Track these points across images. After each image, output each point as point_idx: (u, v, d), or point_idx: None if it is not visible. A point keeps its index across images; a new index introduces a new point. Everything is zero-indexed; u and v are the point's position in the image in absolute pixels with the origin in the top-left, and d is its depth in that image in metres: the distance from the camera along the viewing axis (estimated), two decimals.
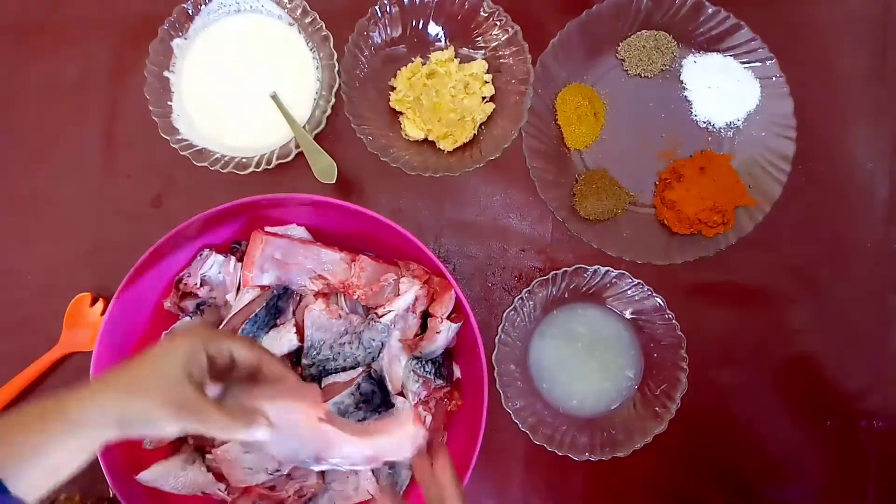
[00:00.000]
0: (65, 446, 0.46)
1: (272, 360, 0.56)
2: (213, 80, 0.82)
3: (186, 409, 0.49)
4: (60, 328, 0.79)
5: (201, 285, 0.73)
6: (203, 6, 0.81)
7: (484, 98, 0.81)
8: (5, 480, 0.44)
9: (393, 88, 0.82)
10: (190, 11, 0.80)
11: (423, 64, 0.82)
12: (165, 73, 0.81)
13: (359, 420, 0.69)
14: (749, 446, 0.79)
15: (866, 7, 0.83)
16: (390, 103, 0.82)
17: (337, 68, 0.79)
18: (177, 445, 0.73)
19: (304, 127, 0.79)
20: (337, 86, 0.79)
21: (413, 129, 0.81)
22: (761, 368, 0.80)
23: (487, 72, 0.81)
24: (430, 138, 0.81)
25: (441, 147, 0.81)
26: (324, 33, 0.80)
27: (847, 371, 0.79)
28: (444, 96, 0.80)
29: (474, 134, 0.81)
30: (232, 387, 0.55)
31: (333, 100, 0.80)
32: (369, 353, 0.71)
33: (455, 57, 0.82)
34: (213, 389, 0.54)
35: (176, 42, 0.81)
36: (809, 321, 0.80)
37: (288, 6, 0.81)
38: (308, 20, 0.80)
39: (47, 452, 0.46)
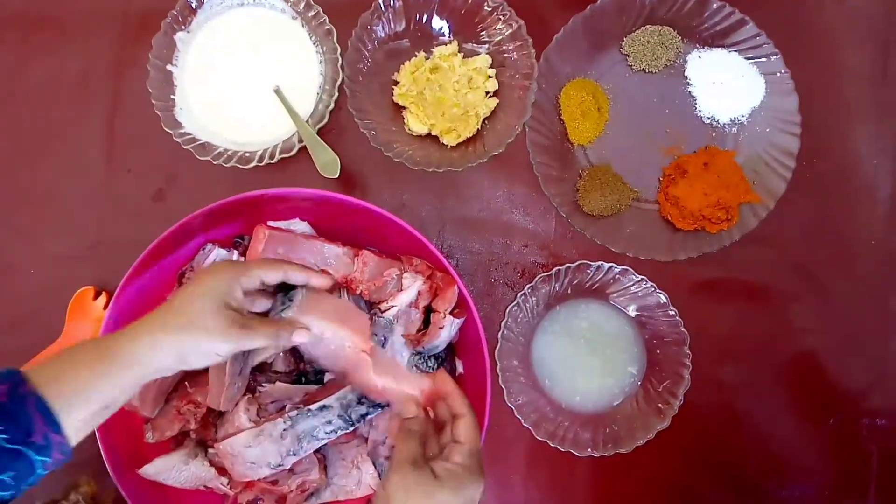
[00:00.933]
0: (118, 383, 0.52)
1: (294, 268, 0.65)
2: (217, 74, 0.82)
3: (233, 329, 0.57)
4: (63, 323, 0.79)
5: None
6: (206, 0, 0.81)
7: (487, 93, 0.81)
8: (58, 415, 0.49)
9: (396, 83, 0.82)
10: (193, 5, 0.80)
11: (427, 58, 0.82)
12: (168, 67, 0.80)
13: (361, 415, 0.69)
14: (751, 443, 0.79)
15: (872, 3, 0.83)
16: (393, 98, 0.81)
17: (340, 62, 0.79)
18: (179, 440, 0.73)
19: (307, 121, 0.79)
20: (340, 80, 0.79)
21: (416, 124, 0.81)
22: (764, 365, 0.80)
23: (491, 66, 0.81)
24: (433, 133, 0.81)
25: (444, 142, 0.81)
26: (327, 27, 0.80)
27: (850, 369, 0.79)
28: (448, 91, 0.80)
29: (477, 129, 0.81)
30: (279, 305, 0.66)
31: (337, 94, 0.79)
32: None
33: (459, 51, 0.82)
34: (259, 304, 0.65)
35: (179, 35, 0.80)
36: (812, 319, 0.80)
37: (291, 0, 0.81)
38: (311, 14, 0.80)
39: (100, 388, 0.51)
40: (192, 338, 0.55)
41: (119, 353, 0.53)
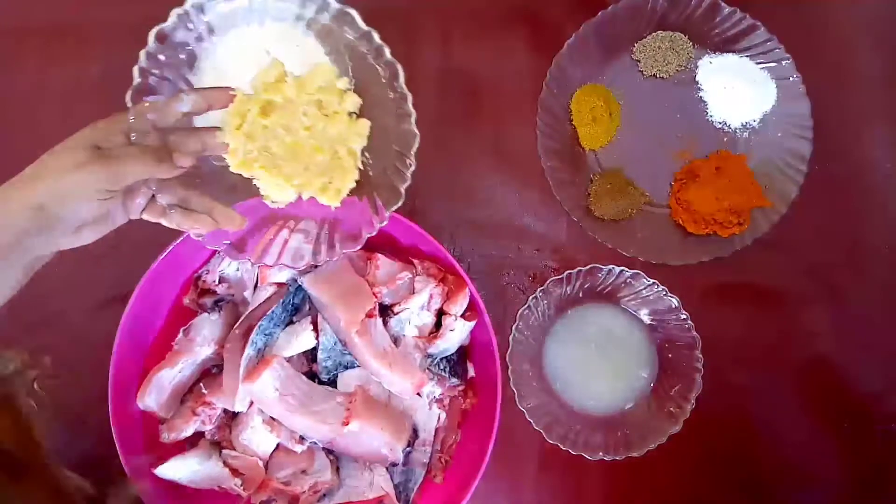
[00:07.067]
0: None
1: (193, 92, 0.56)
2: (233, 80, 0.83)
3: (93, 160, 0.49)
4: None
5: (220, 283, 0.74)
6: None
7: (352, 114, 0.59)
8: None
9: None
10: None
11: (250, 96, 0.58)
12: (188, 76, 0.81)
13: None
14: (764, 448, 0.79)
15: (883, 7, 0.83)
16: (230, 170, 0.58)
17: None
18: (194, 440, 0.74)
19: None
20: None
21: (278, 193, 0.59)
22: (777, 370, 0.79)
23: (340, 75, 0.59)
24: (305, 195, 0.59)
25: (327, 203, 0.59)
26: None
27: (864, 374, 0.79)
28: (299, 133, 0.57)
29: (359, 168, 0.60)
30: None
31: None
32: None
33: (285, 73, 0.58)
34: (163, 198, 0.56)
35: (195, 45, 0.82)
36: (826, 323, 0.79)
37: None
38: None
39: None
40: (44, 184, 0.48)
41: None
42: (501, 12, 0.85)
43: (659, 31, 0.82)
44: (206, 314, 0.74)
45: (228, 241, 0.60)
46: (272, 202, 0.60)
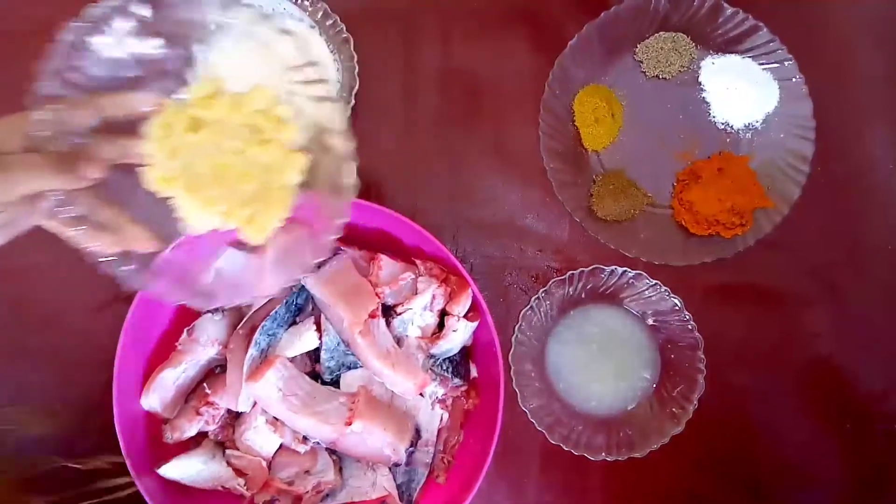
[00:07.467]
0: None
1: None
2: (236, 82, 0.83)
3: None
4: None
5: None
6: None
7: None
8: None
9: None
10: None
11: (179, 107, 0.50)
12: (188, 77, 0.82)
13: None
14: (766, 448, 0.79)
15: (886, 8, 0.83)
16: (153, 184, 0.49)
17: (357, 70, 0.80)
18: (198, 440, 0.75)
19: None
20: (357, 87, 0.80)
21: (198, 218, 0.51)
22: (779, 370, 0.79)
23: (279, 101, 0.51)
24: (230, 224, 0.51)
25: (248, 239, 0.51)
26: (344, 35, 0.81)
27: (866, 374, 0.79)
28: (227, 155, 0.50)
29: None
30: None
31: (353, 101, 0.81)
32: None
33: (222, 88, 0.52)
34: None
35: (199, 46, 0.82)
36: (828, 323, 0.80)
37: (309, 9, 0.82)
38: (329, 23, 0.81)
39: None
40: None
41: None
42: (502, 12, 0.85)
43: (661, 32, 0.82)
44: (209, 314, 0.74)
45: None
46: (191, 228, 0.52)
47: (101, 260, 0.51)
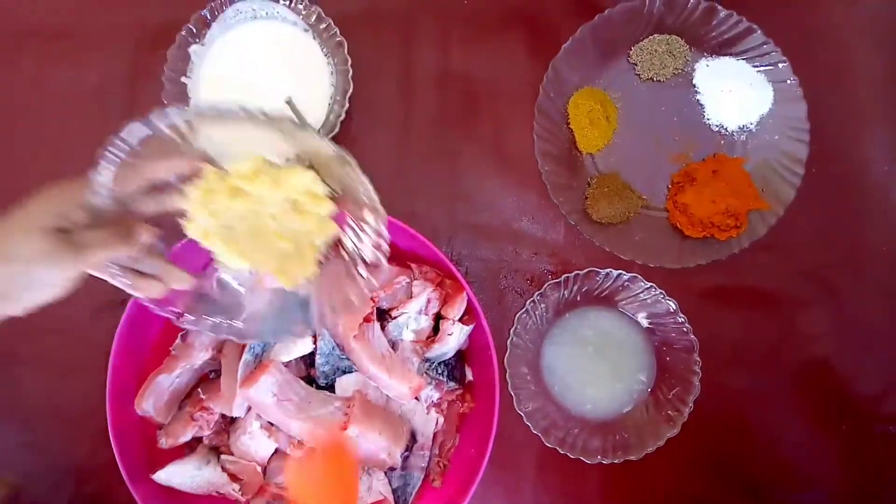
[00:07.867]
0: None
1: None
2: (230, 86, 0.83)
3: (59, 249, 0.47)
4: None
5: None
6: (220, 13, 0.82)
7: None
8: None
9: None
10: (207, 18, 0.82)
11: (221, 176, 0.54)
12: (183, 79, 0.82)
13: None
14: (763, 450, 0.79)
15: (881, 9, 0.83)
16: (188, 234, 0.55)
17: (351, 73, 0.80)
18: (192, 446, 0.74)
19: (318, 131, 0.80)
20: (351, 91, 0.80)
21: (233, 262, 0.56)
22: (775, 372, 0.79)
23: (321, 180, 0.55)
24: (261, 272, 0.58)
25: (282, 285, 0.57)
26: (338, 39, 0.81)
27: (862, 375, 0.79)
28: (265, 220, 0.55)
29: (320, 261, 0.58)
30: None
31: (347, 104, 0.80)
32: None
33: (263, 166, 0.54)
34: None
35: (193, 48, 0.82)
36: (824, 325, 0.79)
37: (303, 13, 0.82)
38: (323, 26, 0.81)
39: None
40: (7, 271, 0.47)
41: None
42: (499, 15, 0.85)
43: (656, 35, 0.82)
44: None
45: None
46: (225, 269, 0.58)
47: (151, 306, 0.56)
